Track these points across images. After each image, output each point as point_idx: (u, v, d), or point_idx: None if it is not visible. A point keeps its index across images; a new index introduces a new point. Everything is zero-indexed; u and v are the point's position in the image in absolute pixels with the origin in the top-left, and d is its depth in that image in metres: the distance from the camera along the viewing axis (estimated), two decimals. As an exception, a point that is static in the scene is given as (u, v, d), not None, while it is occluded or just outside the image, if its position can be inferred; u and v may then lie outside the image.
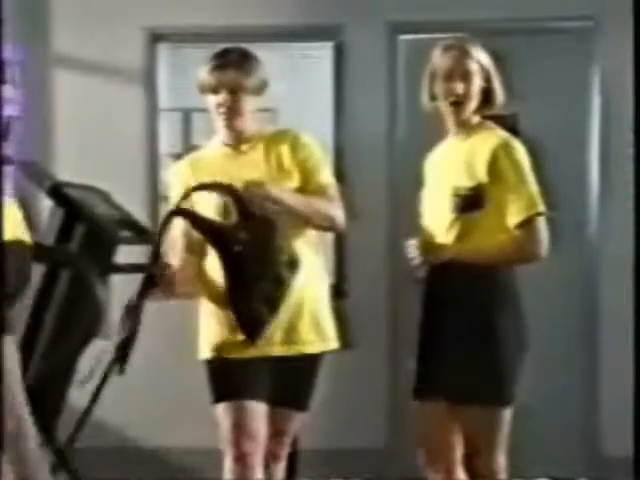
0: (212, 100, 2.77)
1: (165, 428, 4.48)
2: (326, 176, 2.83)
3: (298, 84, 4.51)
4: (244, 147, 2.81)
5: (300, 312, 2.76)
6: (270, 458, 2.84)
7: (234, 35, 4.41)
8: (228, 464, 2.74)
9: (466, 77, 2.72)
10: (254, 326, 2.70)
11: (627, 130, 3.60)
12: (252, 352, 2.72)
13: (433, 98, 2.80)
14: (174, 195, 2.83)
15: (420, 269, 2.80)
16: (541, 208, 2.66)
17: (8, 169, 3.95)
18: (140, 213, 3.87)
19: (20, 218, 2.83)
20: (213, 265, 2.75)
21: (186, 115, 4.59)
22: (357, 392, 4.43)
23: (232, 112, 2.75)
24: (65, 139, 4.57)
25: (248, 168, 2.76)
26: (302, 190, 2.77)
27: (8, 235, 2.70)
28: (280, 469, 2.92)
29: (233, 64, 2.75)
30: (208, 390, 2.81)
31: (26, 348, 3.17)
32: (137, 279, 4.35)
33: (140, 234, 3.54)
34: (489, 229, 2.67)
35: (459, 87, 2.71)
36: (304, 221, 2.76)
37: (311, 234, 2.83)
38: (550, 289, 4.28)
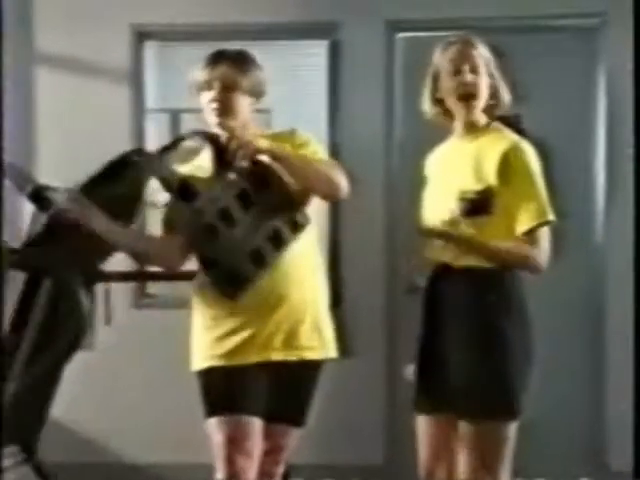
0: (205, 97, 2.77)
1: (152, 443, 4.46)
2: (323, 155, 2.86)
3: (293, 84, 4.51)
4: None
5: (302, 316, 2.74)
6: (264, 476, 2.82)
7: (225, 33, 4.42)
8: (220, 481, 2.72)
9: (474, 69, 2.70)
10: (236, 283, 2.68)
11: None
12: (251, 358, 2.70)
13: (437, 102, 2.78)
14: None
15: (421, 273, 2.79)
16: (551, 216, 2.65)
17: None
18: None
19: None
20: None
21: (174, 116, 4.58)
22: (354, 405, 4.42)
23: (224, 109, 2.74)
24: (48, 141, 4.56)
25: None
26: None
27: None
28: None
29: (228, 60, 2.76)
30: (198, 404, 2.79)
31: (7, 359, 3.15)
32: (124, 287, 4.38)
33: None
34: (495, 235, 2.65)
35: (469, 77, 2.69)
36: (305, 184, 2.72)
37: (314, 234, 2.83)
38: (555, 298, 4.28)
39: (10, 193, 3.17)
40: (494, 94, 2.75)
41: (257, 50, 2.93)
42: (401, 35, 4.47)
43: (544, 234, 2.64)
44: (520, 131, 2.79)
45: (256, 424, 2.71)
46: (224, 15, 4.46)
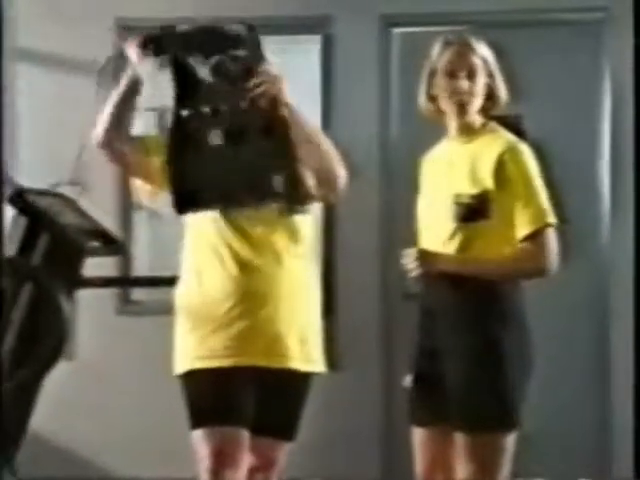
0: None
1: (136, 457, 4.46)
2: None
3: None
4: None
5: (288, 325, 2.75)
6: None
7: (213, 27, 4.42)
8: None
9: (470, 74, 2.72)
10: (191, 202, 2.73)
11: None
12: (232, 361, 2.71)
13: (432, 99, 2.80)
14: None
15: (416, 282, 2.80)
16: (551, 219, 2.65)
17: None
18: (110, 222, 3.86)
19: None
20: None
21: (162, 115, 4.58)
22: (350, 418, 4.43)
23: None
24: (29, 141, 4.56)
25: None
26: None
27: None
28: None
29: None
30: (185, 415, 2.79)
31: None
32: (106, 294, 4.38)
33: (110, 244, 3.53)
34: (493, 240, 2.66)
35: (464, 85, 2.71)
36: (308, 158, 2.74)
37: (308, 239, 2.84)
38: (558, 305, 4.30)
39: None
40: (491, 94, 2.76)
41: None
42: (397, 30, 4.48)
43: (549, 236, 2.65)
44: (519, 132, 2.80)
45: (243, 436, 2.72)
46: (212, 9, 4.46)
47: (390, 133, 4.49)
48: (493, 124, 2.78)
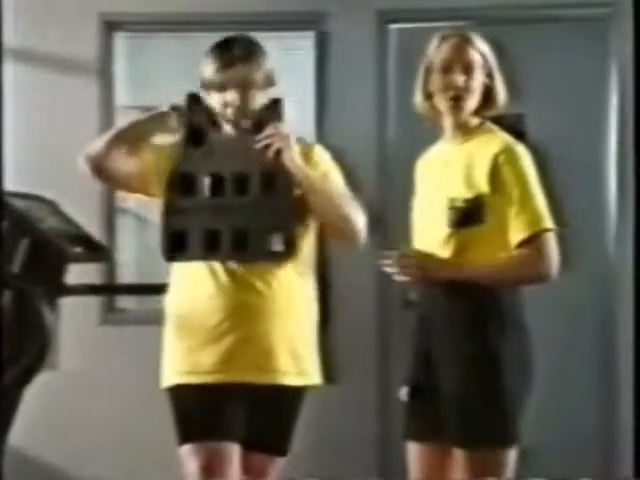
0: (217, 97, 2.81)
1: (121, 472, 4.46)
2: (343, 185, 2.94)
3: (276, 78, 4.52)
4: None
5: (281, 339, 2.76)
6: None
7: (202, 24, 4.44)
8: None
9: (467, 69, 2.72)
10: (179, 248, 2.78)
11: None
12: (221, 377, 2.72)
13: (428, 97, 2.81)
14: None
15: (413, 290, 2.80)
16: (548, 224, 2.65)
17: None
18: (94, 226, 3.87)
19: None
20: None
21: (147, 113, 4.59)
22: (346, 430, 4.43)
23: (241, 111, 2.81)
24: (7, 141, 4.55)
25: None
26: None
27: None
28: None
29: (242, 58, 2.79)
30: (172, 430, 2.80)
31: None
32: (90, 302, 4.38)
33: (94, 250, 3.53)
34: (489, 245, 2.66)
35: (459, 79, 2.71)
36: (323, 219, 2.84)
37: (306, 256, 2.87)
38: (562, 311, 4.31)
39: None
40: (489, 94, 2.76)
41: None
42: (394, 26, 4.49)
43: (548, 241, 2.65)
44: (520, 133, 2.80)
45: (233, 450, 2.73)
46: (201, 4, 4.48)
47: (387, 133, 4.50)
48: (490, 124, 2.79)
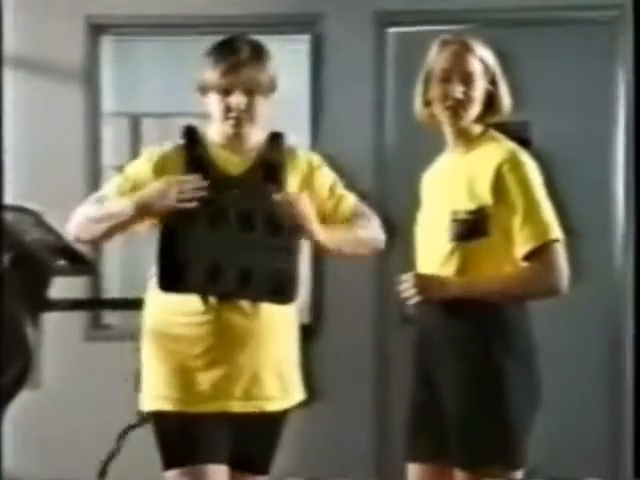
0: (217, 101, 2.80)
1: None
2: (348, 195, 3.01)
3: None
4: None
5: (267, 363, 2.78)
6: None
7: (192, 26, 4.44)
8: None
9: (467, 79, 2.73)
10: (179, 282, 2.74)
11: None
12: (207, 406, 2.73)
13: (427, 104, 2.81)
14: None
15: (412, 305, 2.80)
16: (555, 234, 2.65)
17: None
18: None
19: None
20: None
21: (134, 121, 4.60)
22: (340, 449, 4.42)
23: (244, 118, 2.79)
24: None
25: None
26: (327, 213, 2.92)
27: None
28: None
29: (248, 61, 2.77)
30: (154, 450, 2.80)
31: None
32: (74, 317, 4.37)
33: (78, 263, 3.53)
34: (495, 259, 2.66)
35: (458, 90, 2.72)
36: (350, 254, 2.97)
37: None
38: (570, 326, 4.30)
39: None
40: (492, 100, 2.77)
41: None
42: (392, 30, 4.49)
43: (556, 253, 2.64)
44: (524, 141, 2.81)
45: (220, 472, 2.75)
46: (191, 6, 4.48)
47: (385, 141, 4.50)
48: (493, 132, 2.79)
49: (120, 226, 2.80)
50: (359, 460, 4.44)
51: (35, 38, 4.52)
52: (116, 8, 4.51)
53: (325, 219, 2.88)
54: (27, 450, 4.36)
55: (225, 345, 2.74)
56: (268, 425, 2.84)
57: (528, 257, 2.63)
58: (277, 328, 2.81)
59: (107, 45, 4.63)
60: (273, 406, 2.80)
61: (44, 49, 4.53)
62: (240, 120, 2.78)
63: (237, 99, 2.76)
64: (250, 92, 2.77)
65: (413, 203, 2.91)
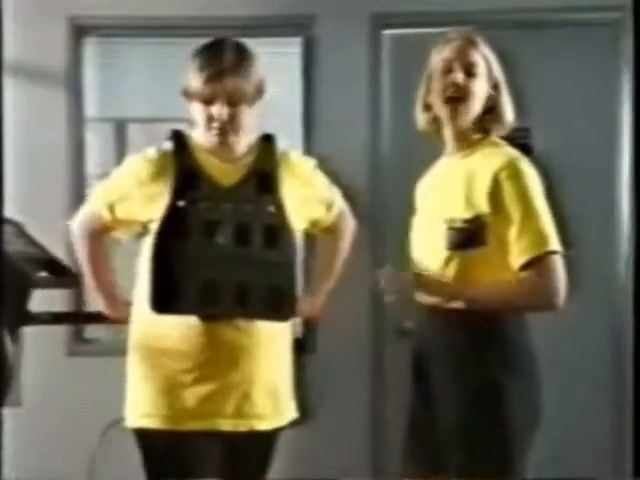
0: (201, 110, 2.78)
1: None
2: (338, 200, 3.15)
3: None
4: None
5: (260, 380, 2.77)
6: None
7: (179, 28, 4.44)
8: None
9: (469, 70, 2.73)
10: (173, 300, 2.75)
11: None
12: (196, 424, 2.72)
13: (427, 108, 2.81)
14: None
15: (409, 317, 2.81)
16: (554, 246, 2.65)
17: None
18: (61, 249, 3.85)
19: None
20: None
21: (119, 126, 4.60)
22: (335, 465, 4.42)
23: (228, 128, 2.79)
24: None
25: None
26: (317, 219, 3.02)
27: None
28: None
29: (233, 67, 2.78)
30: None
31: None
32: (56, 331, 4.36)
33: (61, 275, 3.53)
34: (493, 270, 2.67)
35: (459, 77, 2.72)
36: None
37: None
38: (571, 342, 4.31)
39: None
40: (493, 107, 2.77)
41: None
42: (388, 32, 4.50)
43: (554, 265, 2.64)
44: (525, 147, 2.81)
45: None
46: (179, 7, 4.48)
47: (381, 147, 4.49)
48: (494, 137, 2.79)
49: None
50: (354, 474, 4.44)
51: (14, 40, 4.50)
52: (100, 9, 4.51)
53: (316, 225, 2.88)
54: (8, 469, 4.34)
55: (217, 360, 2.74)
56: (259, 444, 2.85)
57: (525, 268, 2.63)
58: (271, 344, 2.81)
59: (91, 47, 4.63)
60: (264, 425, 2.80)
61: (24, 51, 4.52)
62: (224, 130, 2.78)
63: (219, 110, 2.76)
64: (233, 103, 2.77)
65: (408, 208, 2.91)
